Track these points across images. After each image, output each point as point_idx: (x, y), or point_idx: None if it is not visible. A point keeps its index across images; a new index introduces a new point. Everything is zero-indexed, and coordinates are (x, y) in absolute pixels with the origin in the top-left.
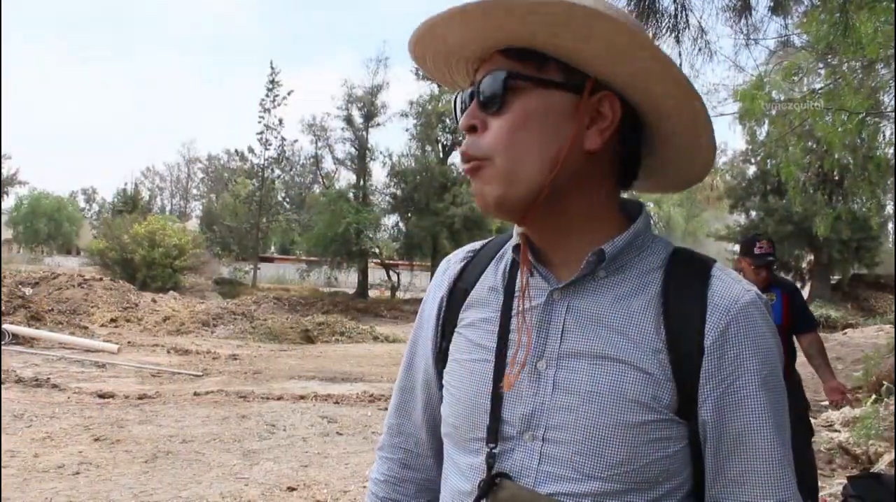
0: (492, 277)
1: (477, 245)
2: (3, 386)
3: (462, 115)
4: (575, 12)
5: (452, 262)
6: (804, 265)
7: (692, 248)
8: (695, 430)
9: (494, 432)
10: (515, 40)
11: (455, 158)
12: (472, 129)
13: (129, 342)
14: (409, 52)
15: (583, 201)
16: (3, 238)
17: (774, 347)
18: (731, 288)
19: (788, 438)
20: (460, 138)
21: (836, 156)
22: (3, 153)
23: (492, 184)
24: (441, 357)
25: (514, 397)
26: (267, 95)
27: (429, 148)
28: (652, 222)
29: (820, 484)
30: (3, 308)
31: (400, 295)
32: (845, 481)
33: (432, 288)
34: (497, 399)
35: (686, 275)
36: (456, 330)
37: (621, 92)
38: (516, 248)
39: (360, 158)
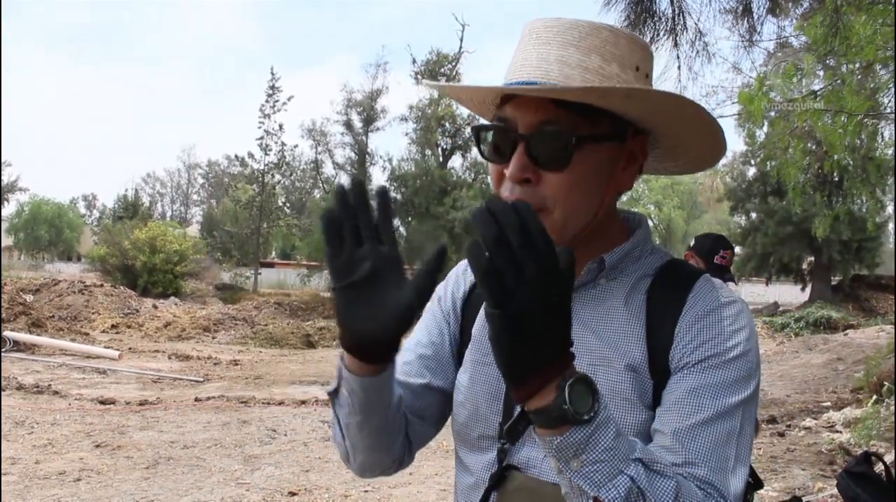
0: None
1: None
2: (4, 392)
3: (492, 151)
4: (684, 104)
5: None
6: (805, 266)
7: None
8: None
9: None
10: (589, 101)
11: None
12: (525, 181)
13: (129, 348)
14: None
15: (600, 223)
16: (4, 244)
17: (752, 349)
18: (712, 292)
19: (747, 434)
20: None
21: (836, 157)
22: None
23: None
24: (458, 359)
25: None
26: (267, 101)
27: (428, 152)
28: (651, 230)
29: (822, 484)
30: (3, 314)
31: None
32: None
33: (451, 279)
34: (509, 400)
35: (671, 280)
36: (473, 332)
37: (651, 131)
38: None
39: (360, 163)
